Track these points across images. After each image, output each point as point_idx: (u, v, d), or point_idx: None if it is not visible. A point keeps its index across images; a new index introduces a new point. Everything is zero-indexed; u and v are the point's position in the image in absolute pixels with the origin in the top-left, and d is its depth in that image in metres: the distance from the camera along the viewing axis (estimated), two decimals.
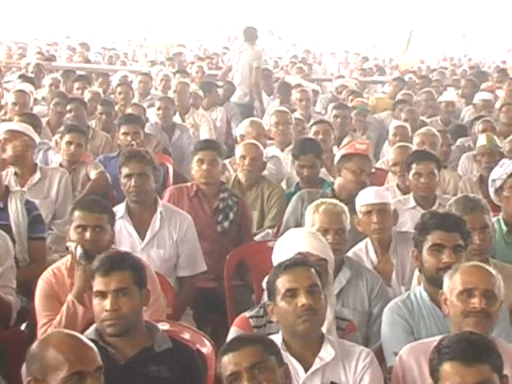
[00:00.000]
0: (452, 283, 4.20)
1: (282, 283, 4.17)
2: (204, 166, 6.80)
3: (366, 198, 5.92)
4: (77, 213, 5.16)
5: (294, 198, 6.79)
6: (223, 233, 6.74)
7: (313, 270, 4.25)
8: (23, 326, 5.73)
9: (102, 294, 4.22)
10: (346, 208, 5.50)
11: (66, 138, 7.80)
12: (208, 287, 6.39)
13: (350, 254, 5.80)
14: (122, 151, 7.13)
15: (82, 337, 3.67)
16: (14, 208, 6.30)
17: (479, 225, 5.35)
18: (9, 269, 5.65)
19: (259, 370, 3.60)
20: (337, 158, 6.95)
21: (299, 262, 4.31)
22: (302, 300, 4.10)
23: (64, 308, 4.79)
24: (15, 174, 7.25)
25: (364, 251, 5.85)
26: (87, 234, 5.06)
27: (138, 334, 4.21)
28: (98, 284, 4.25)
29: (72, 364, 3.45)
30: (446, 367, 3.49)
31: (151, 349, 4.18)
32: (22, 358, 4.88)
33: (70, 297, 4.76)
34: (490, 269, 4.26)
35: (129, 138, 8.20)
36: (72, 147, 7.74)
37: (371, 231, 5.83)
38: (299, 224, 6.30)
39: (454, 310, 4.16)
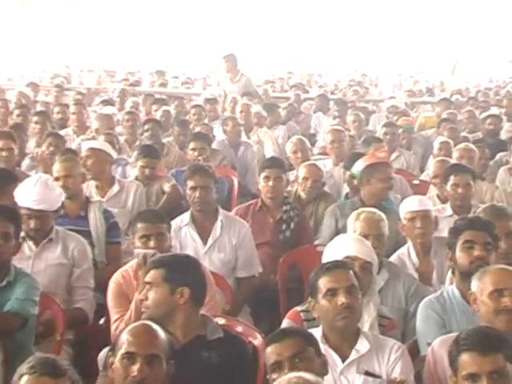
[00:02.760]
0: (482, 284, 4.19)
1: (324, 283, 4.20)
2: (270, 183, 6.84)
3: (411, 205, 5.93)
4: (139, 224, 5.26)
5: (328, 212, 6.85)
6: (285, 241, 6.75)
7: (351, 272, 4.28)
8: (102, 321, 5.83)
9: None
10: (384, 216, 5.52)
11: (140, 162, 7.85)
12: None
13: (394, 257, 5.84)
14: (188, 166, 7.21)
15: (153, 327, 3.71)
16: (93, 216, 6.40)
17: (505, 231, 5.33)
18: (86, 270, 5.76)
19: (299, 360, 3.62)
20: (358, 168, 6.97)
21: (339, 265, 4.34)
22: (341, 299, 4.14)
23: (132, 305, 4.83)
24: (96, 186, 7.40)
25: (406, 255, 5.84)
26: (151, 243, 5.16)
27: (192, 324, 4.23)
28: (148, 277, 4.33)
29: (129, 345, 3.55)
30: (464, 357, 3.51)
31: (204, 337, 4.20)
32: (100, 348, 5.03)
33: (136, 295, 4.84)
34: None
35: (196, 154, 8.30)
36: (146, 170, 7.78)
37: (415, 236, 5.83)
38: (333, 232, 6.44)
39: (485, 308, 4.14)
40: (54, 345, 5.09)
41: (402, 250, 5.89)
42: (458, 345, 3.55)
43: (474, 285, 4.26)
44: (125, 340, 3.57)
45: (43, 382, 3.18)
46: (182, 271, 4.38)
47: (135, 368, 3.49)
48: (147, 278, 4.30)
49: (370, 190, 6.73)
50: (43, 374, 3.19)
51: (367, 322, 4.54)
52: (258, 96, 13.66)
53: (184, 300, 4.32)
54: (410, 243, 5.89)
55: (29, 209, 5.63)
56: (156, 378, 3.54)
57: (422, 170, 9.69)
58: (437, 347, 4.16)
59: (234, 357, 4.19)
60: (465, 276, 4.70)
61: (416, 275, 5.68)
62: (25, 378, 3.20)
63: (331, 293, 4.17)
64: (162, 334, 3.66)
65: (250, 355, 4.36)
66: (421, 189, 7.81)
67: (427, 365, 4.20)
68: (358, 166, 7.05)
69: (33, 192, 5.68)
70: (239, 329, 4.73)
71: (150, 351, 3.55)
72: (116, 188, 7.38)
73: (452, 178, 6.71)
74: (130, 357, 3.52)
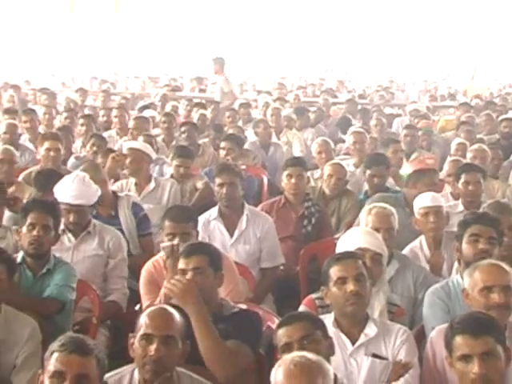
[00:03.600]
0: (473, 281, 4.21)
1: (334, 272, 4.25)
2: (292, 180, 6.90)
3: (424, 201, 5.95)
4: (167, 223, 5.29)
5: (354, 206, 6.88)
6: (307, 235, 6.78)
7: (360, 261, 4.32)
8: (137, 307, 5.92)
9: (183, 272, 4.35)
10: (394, 210, 5.55)
11: (175, 162, 7.95)
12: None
13: (407, 249, 5.86)
14: (217, 165, 7.29)
15: (171, 311, 3.75)
16: (123, 214, 6.50)
17: (508, 224, 5.39)
18: (121, 261, 5.85)
19: (307, 342, 3.66)
20: (406, 171, 7.00)
21: (348, 255, 4.39)
22: (350, 287, 4.18)
23: (162, 292, 4.90)
24: (135, 183, 7.52)
25: (419, 247, 5.87)
26: (176, 241, 5.15)
27: (211, 303, 4.29)
28: (181, 264, 4.39)
29: (146, 327, 3.61)
30: (458, 339, 3.56)
31: (221, 313, 4.28)
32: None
33: (165, 283, 4.90)
34: (505, 266, 4.25)
35: (224, 153, 8.38)
36: (181, 169, 7.87)
37: (427, 230, 5.86)
38: None
39: (477, 304, 4.15)
40: (90, 328, 5.19)
41: (415, 243, 5.92)
42: (453, 328, 3.61)
43: (466, 281, 4.28)
44: (143, 323, 3.63)
45: (72, 358, 3.26)
46: (218, 258, 4.49)
47: (152, 348, 3.55)
48: (193, 264, 4.34)
49: (415, 193, 6.55)
50: (72, 351, 3.27)
51: (377, 308, 4.57)
52: (231, 96, 13.97)
53: (220, 284, 4.45)
54: (422, 236, 5.92)
55: (68, 204, 5.74)
56: (172, 356, 3.60)
57: (440, 170, 9.67)
58: (435, 338, 4.17)
59: (245, 325, 4.25)
60: (469, 266, 4.73)
61: (427, 266, 5.72)
62: (55, 354, 3.28)
63: (341, 281, 4.22)
64: (177, 316, 3.71)
65: (259, 324, 4.39)
66: (437, 187, 7.77)
67: (426, 356, 4.22)
68: (406, 169, 7.11)
69: (71, 188, 5.79)
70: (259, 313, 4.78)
71: (166, 332, 3.60)
72: (152, 185, 7.50)
73: (463, 176, 6.75)
74: (147, 338, 3.59)
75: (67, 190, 5.80)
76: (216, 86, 14.47)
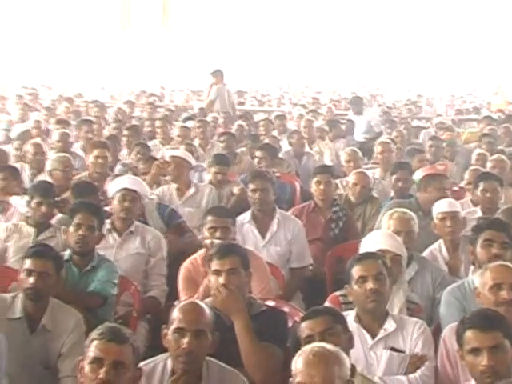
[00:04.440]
0: (483, 279, 4.22)
1: (356, 271, 4.29)
2: (321, 186, 6.91)
3: (441, 207, 5.96)
4: (209, 217, 5.35)
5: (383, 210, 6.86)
6: (334, 237, 6.78)
7: (379, 261, 4.35)
8: (176, 302, 5.98)
9: (217, 273, 4.35)
10: (414, 215, 5.56)
11: (213, 169, 7.96)
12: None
13: (426, 252, 5.85)
14: (250, 171, 7.34)
15: (202, 306, 3.78)
16: (151, 219, 6.60)
17: None
18: (160, 259, 5.91)
19: (328, 335, 3.69)
20: (418, 176, 7.01)
21: (368, 256, 4.43)
22: (370, 285, 4.22)
23: (201, 288, 4.93)
24: (176, 188, 7.59)
25: (438, 250, 5.87)
26: (217, 234, 5.26)
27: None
28: (215, 265, 4.37)
29: (179, 321, 3.64)
30: (468, 334, 3.57)
31: (250, 311, 4.27)
32: None
33: (206, 281, 4.83)
34: None
35: (257, 161, 8.42)
36: (218, 176, 7.88)
37: (445, 233, 5.86)
38: None
39: (487, 301, 4.15)
40: (131, 321, 5.26)
41: (435, 246, 5.92)
42: (464, 323, 3.63)
43: (477, 281, 4.29)
44: (176, 317, 3.66)
45: (109, 346, 3.32)
46: (247, 258, 4.50)
47: (185, 341, 3.58)
48: (228, 265, 4.33)
49: (426, 197, 6.69)
50: (110, 339, 3.34)
51: (397, 305, 4.60)
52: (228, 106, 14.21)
53: (249, 282, 4.47)
54: (441, 240, 5.92)
55: (125, 188, 5.94)
56: (202, 348, 3.64)
57: (463, 179, 9.65)
58: (448, 336, 4.16)
59: (273, 324, 4.27)
60: None
61: (446, 268, 5.72)
62: (95, 342, 3.35)
63: (362, 280, 4.26)
64: (207, 311, 3.74)
65: (286, 322, 4.41)
66: (459, 194, 7.80)
67: (440, 352, 4.21)
68: (418, 175, 7.11)
69: (126, 179, 6.14)
70: (286, 309, 4.80)
71: (197, 327, 3.63)
72: (192, 190, 7.56)
73: (481, 184, 6.73)
74: (180, 331, 3.61)
75: (123, 181, 6.09)
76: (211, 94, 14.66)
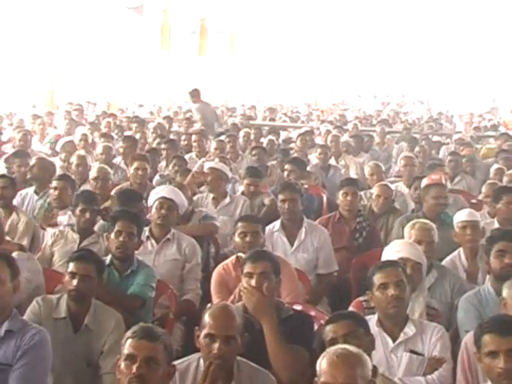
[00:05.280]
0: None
1: (377, 278, 4.28)
2: (348, 198, 6.91)
3: (462, 216, 5.95)
4: (240, 223, 5.37)
5: (397, 222, 6.82)
6: (358, 246, 6.78)
7: (400, 269, 4.34)
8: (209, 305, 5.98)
9: (250, 275, 4.34)
10: (434, 226, 5.54)
11: (246, 181, 7.94)
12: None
13: (447, 259, 5.84)
14: (280, 183, 7.34)
15: (231, 310, 3.74)
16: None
17: None
18: (195, 265, 5.93)
19: (351, 338, 3.68)
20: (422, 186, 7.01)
21: (389, 264, 4.42)
22: (391, 291, 4.22)
23: (236, 291, 4.86)
24: (212, 198, 7.61)
25: (457, 257, 5.85)
26: (247, 239, 5.27)
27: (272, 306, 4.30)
28: (247, 268, 4.37)
29: (210, 327, 3.62)
30: (486, 338, 3.54)
31: (279, 315, 4.26)
32: None
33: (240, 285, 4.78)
34: None
35: (286, 174, 8.42)
36: (251, 187, 7.88)
37: (465, 241, 5.83)
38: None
39: None
40: (168, 322, 5.27)
41: (455, 254, 5.89)
42: (482, 328, 3.60)
43: (505, 292, 4.24)
44: (207, 322, 3.63)
45: (141, 343, 3.34)
46: (278, 264, 4.49)
47: (215, 346, 3.56)
48: (260, 269, 4.32)
49: (426, 206, 6.78)
50: (142, 337, 3.35)
51: (417, 311, 4.59)
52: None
53: (278, 287, 4.46)
54: (461, 248, 5.88)
55: (162, 197, 5.99)
56: (232, 352, 3.62)
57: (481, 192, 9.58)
58: (469, 343, 4.07)
59: (300, 327, 4.27)
60: (497, 278, 4.77)
61: (464, 275, 5.69)
62: (129, 340, 3.37)
63: (383, 286, 4.25)
64: (237, 314, 3.72)
65: (312, 326, 4.39)
66: (477, 207, 7.72)
67: (461, 358, 4.17)
68: (422, 186, 7.10)
69: (165, 189, 6.18)
70: (312, 313, 4.81)
71: (227, 333, 3.60)
72: (227, 200, 7.58)
73: (505, 197, 6.61)
74: (211, 337, 3.59)
75: (161, 191, 6.13)
76: (193, 112, 14.92)
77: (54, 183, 6.87)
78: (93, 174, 7.56)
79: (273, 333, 4.12)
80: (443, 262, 5.81)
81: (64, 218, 6.58)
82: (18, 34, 18.17)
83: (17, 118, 14.74)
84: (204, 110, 14.36)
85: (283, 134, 14.18)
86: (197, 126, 13.57)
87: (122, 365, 3.34)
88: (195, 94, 14.57)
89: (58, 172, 8.06)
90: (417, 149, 11.02)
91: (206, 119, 14.13)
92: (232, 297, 4.90)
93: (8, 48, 19.32)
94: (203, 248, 6.36)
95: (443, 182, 7.04)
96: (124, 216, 5.33)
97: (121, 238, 5.20)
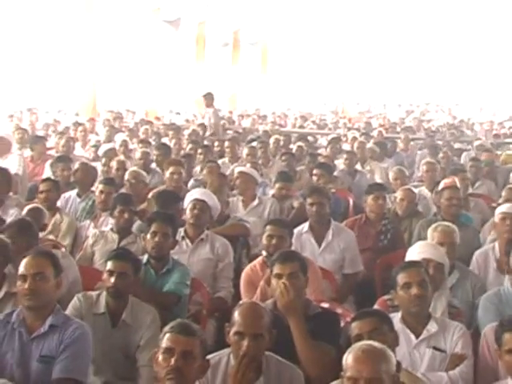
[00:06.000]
0: None
1: (401, 278, 4.24)
2: (379, 201, 6.88)
3: (503, 208, 6.01)
4: (267, 227, 5.36)
5: (419, 225, 6.78)
6: (383, 247, 6.73)
7: (422, 269, 4.30)
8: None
9: (279, 276, 4.30)
10: (456, 228, 5.49)
11: (277, 184, 7.98)
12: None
13: (481, 250, 5.91)
14: (308, 187, 7.32)
15: (259, 308, 3.71)
16: None
17: None
18: (227, 265, 5.92)
19: (375, 334, 3.65)
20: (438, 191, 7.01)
21: (412, 264, 4.38)
22: (414, 291, 4.18)
23: (258, 290, 4.93)
24: (242, 200, 7.63)
25: (491, 248, 5.85)
26: (273, 241, 5.25)
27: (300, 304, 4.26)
28: (276, 269, 4.33)
29: (238, 325, 3.59)
30: (506, 336, 3.54)
31: (306, 312, 4.24)
32: None
33: (262, 283, 4.89)
34: None
35: (315, 178, 8.41)
36: (282, 191, 7.89)
37: (503, 232, 5.86)
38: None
39: None
40: (201, 318, 5.27)
41: (490, 245, 5.94)
42: (502, 326, 3.59)
43: None
44: (236, 320, 3.60)
45: (179, 337, 3.33)
46: (306, 264, 4.46)
47: (244, 344, 3.53)
48: (289, 270, 4.28)
49: (442, 208, 6.76)
50: (179, 332, 3.34)
51: (439, 309, 4.54)
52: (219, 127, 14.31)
53: (306, 286, 4.40)
54: (496, 242, 5.87)
55: (196, 199, 6.00)
56: (261, 349, 3.60)
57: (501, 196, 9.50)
58: (488, 333, 4.13)
59: (327, 324, 4.24)
60: None
61: (495, 265, 5.69)
62: (167, 335, 3.36)
63: (406, 286, 4.21)
64: (265, 312, 3.68)
65: (338, 323, 4.37)
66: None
67: (482, 346, 4.20)
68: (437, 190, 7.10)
69: (199, 191, 6.22)
70: (339, 311, 4.79)
71: (255, 331, 3.57)
72: (256, 202, 7.60)
73: None
74: (239, 335, 3.57)
75: (196, 193, 6.16)
76: (205, 117, 14.65)
77: (101, 187, 6.93)
78: (128, 177, 7.62)
79: (300, 330, 4.09)
80: (476, 253, 5.84)
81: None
82: (64, 48, 18.35)
83: (62, 125, 14.87)
84: (218, 116, 14.33)
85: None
86: (230, 133, 13.59)
87: (160, 358, 3.34)
88: (210, 98, 14.47)
89: (99, 176, 8.12)
90: (440, 155, 10.94)
91: (218, 125, 14.15)
92: (255, 296, 4.91)
93: (54, 60, 19.54)
94: (236, 249, 6.34)
95: (456, 184, 7.00)
96: (159, 218, 5.34)
97: (156, 239, 5.22)
